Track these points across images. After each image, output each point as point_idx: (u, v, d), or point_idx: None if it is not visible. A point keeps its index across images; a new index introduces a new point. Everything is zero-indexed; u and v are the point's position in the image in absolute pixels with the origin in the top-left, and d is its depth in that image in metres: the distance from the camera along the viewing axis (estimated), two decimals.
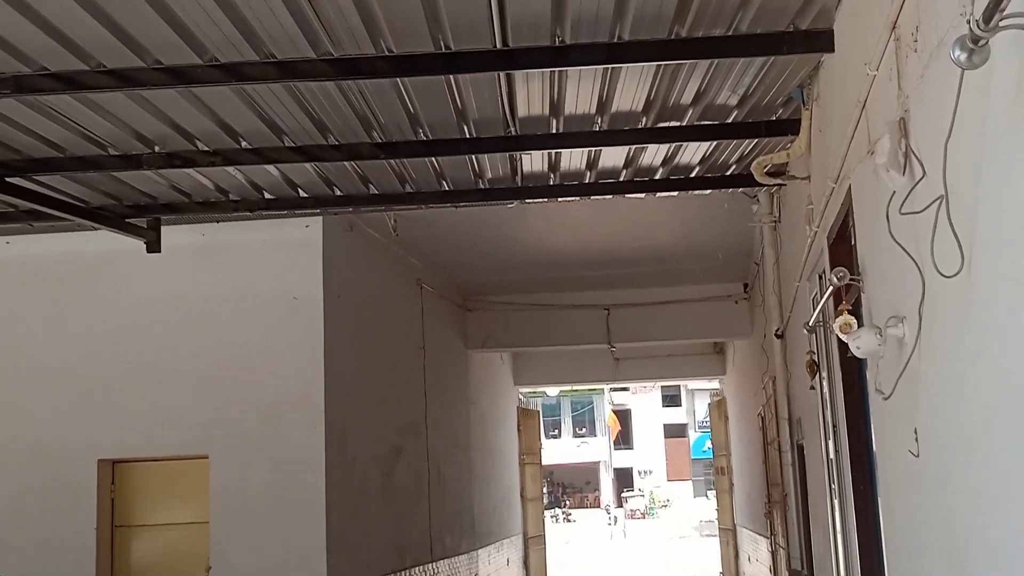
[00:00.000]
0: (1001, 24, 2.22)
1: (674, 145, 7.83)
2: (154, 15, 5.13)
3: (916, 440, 3.79)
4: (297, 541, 9.14)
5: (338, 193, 8.86)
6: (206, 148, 7.36)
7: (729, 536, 20.16)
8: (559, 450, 54.78)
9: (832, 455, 6.54)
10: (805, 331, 6.82)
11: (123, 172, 7.75)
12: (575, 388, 46.79)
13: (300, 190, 8.75)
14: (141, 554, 9.68)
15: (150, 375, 9.50)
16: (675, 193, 9.02)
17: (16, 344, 9.65)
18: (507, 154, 7.81)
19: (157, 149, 7.34)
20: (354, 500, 9.86)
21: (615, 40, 5.70)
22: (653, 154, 8.17)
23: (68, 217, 8.40)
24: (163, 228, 9.32)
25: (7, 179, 7.51)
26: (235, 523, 9.27)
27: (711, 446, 24.82)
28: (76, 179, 7.98)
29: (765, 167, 7.49)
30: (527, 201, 9.12)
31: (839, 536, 6.45)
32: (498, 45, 5.66)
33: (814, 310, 6.24)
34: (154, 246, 9.31)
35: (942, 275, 3.09)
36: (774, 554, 12.79)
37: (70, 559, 9.31)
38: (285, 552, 9.14)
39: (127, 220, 8.99)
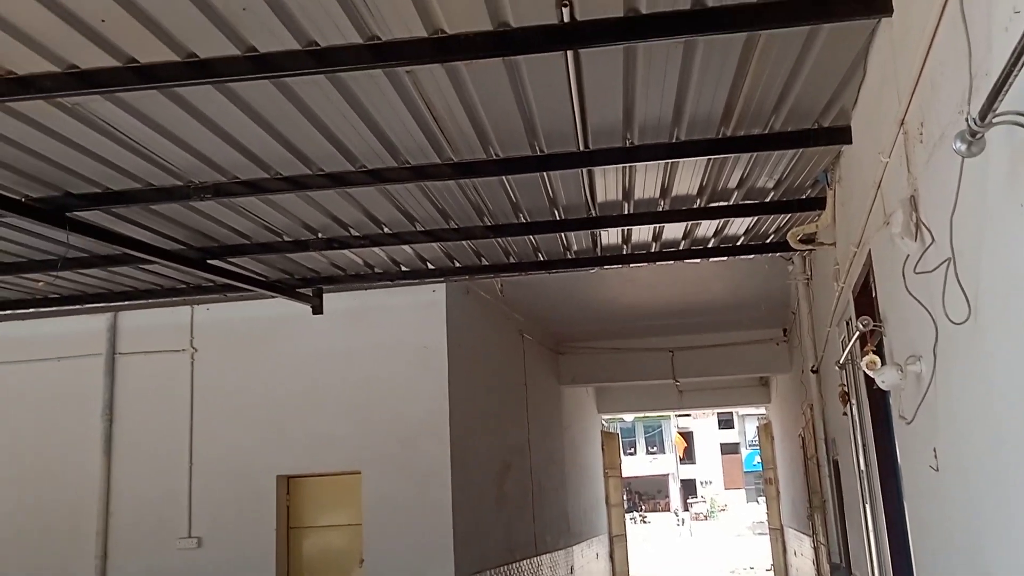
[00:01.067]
0: (994, 120, 2.16)
1: (723, 220, 7.73)
2: (318, 134, 5.28)
3: (935, 457, 3.64)
4: (430, 538, 9.11)
5: (457, 265, 8.94)
6: (357, 233, 7.49)
7: (777, 535, 19.48)
8: (634, 465, 53.79)
9: (863, 468, 6.29)
10: (837, 368, 6.61)
11: (294, 254, 7.89)
12: (646, 415, 46.02)
13: (428, 263, 8.85)
14: (309, 549, 9.74)
15: (315, 409, 9.62)
16: (725, 258, 8.89)
17: (217, 387, 9.86)
18: (589, 231, 7.79)
19: (320, 235, 7.49)
20: (474, 506, 9.81)
21: (674, 140, 5.67)
22: (706, 228, 8.07)
23: (252, 288, 8.61)
24: (324, 295, 9.53)
25: (208, 261, 7.75)
26: (382, 525, 9.28)
27: (760, 461, 24.10)
28: (259, 260, 8.17)
29: (798, 236, 7.35)
30: (605, 267, 9.07)
31: (871, 536, 6.18)
32: (581, 148, 5.68)
33: (844, 351, 6.04)
34: (317, 309, 9.51)
35: (952, 322, 2.98)
36: (816, 550, 12.31)
37: (258, 552, 9.41)
38: (421, 547, 9.12)
39: (297, 290, 9.20)
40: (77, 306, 9.24)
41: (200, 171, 5.75)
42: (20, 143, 5.12)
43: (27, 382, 10.04)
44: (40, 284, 8.23)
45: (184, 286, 8.99)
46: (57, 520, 9.69)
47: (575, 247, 8.56)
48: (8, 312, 9.19)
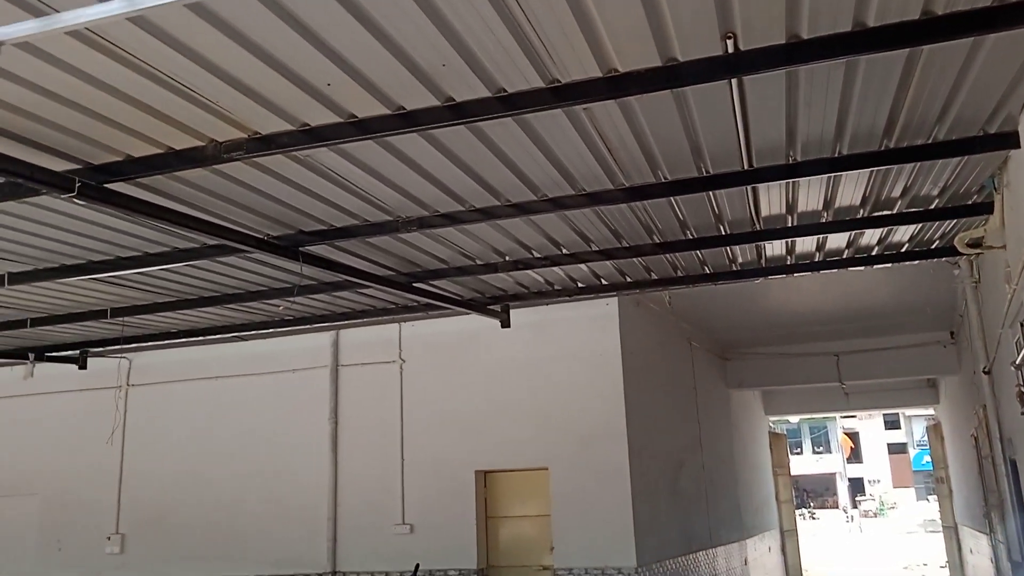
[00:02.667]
0: None
1: (887, 228, 7.28)
2: (505, 169, 5.42)
3: None
4: (613, 529, 9.06)
5: (628, 280, 8.88)
6: (539, 255, 7.60)
7: (951, 532, 17.94)
8: (801, 464, 51.09)
9: None
10: (1013, 368, 6.06)
11: (485, 275, 8.11)
12: (812, 416, 43.73)
13: (602, 279, 8.85)
14: (505, 536, 9.91)
15: (506, 412, 9.82)
16: (889, 264, 8.36)
17: (422, 393, 10.25)
18: (754, 244, 7.55)
19: (507, 258, 7.66)
20: (651, 500, 9.67)
21: (836, 155, 5.42)
22: (870, 236, 7.62)
23: (450, 306, 8.90)
24: (511, 310, 9.72)
25: (413, 284, 8.11)
26: (569, 516, 9.32)
27: (930, 460, 22.33)
28: (455, 281, 8.45)
29: (966, 241, 6.81)
30: (770, 277, 8.75)
31: None
32: (745, 167, 5.53)
33: (1018, 352, 5.55)
34: (505, 323, 9.71)
35: None
36: (994, 548, 11.27)
37: (462, 538, 9.67)
38: (605, 537, 9.08)
39: (487, 307, 9.44)
40: (307, 326, 9.90)
41: (407, 207, 6.04)
42: (263, 191, 5.56)
43: (269, 390, 10.82)
44: (280, 308, 8.89)
45: (393, 306, 9.44)
46: (295, 508, 10.36)
47: (740, 259, 8.30)
48: (253, 332, 9.98)
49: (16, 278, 7.09)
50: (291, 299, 8.12)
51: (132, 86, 4.00)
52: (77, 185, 4.67)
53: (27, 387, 11.02)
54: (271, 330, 9.97)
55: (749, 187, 6.05)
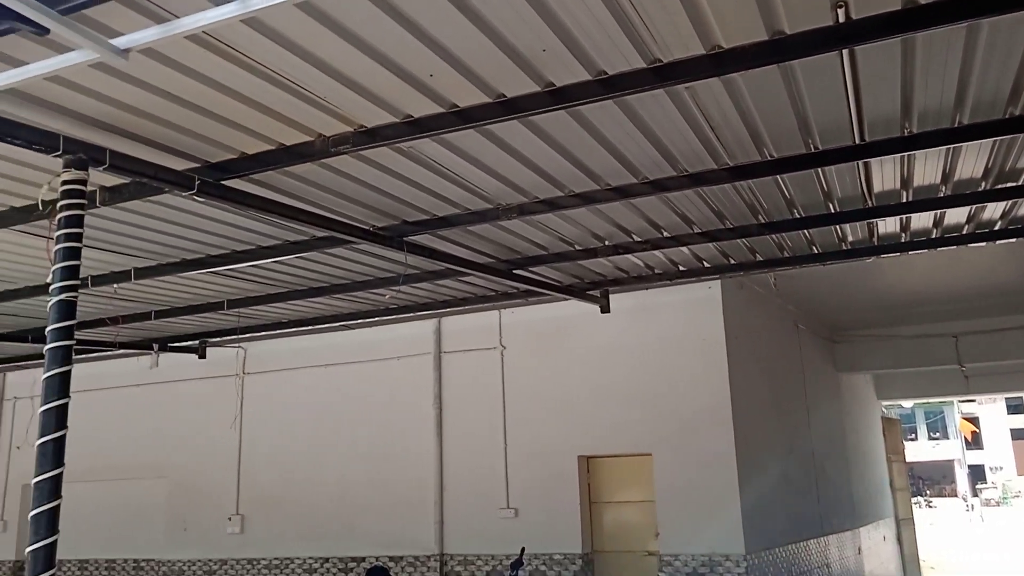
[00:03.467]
0: None
1: (1012, 201, 6.85)
2: (605, 153, 5.38)
3: None
4: (720, 515, 8.92)
5: (732, 262, 8.68)
6: (639, 239, 7.51)
7: None
8: (916, 450, 48.96)
9: None
10: None
11: (584, 260, 8.08)
12: (928, 400, 41.78)
13: (704, 262, 8.68)
14: (609, 521, 9.90)
15: (607, 397, 9.78)
16: (1014, 240, 7.87)
17: (523, 379, 10.32)
18: (865, 221, 7.24)
19: (606, 242, 7.61)
20: (759, 487, 9.45)
21: (956, 125, 5.13)
22: (993, 210, 7.19)
23: (549, 293, 8.94)
24: (611, 296, 9.66)
25: (513, 271, 8.17)
26: (674, 502, 9.23)
27: None
28: (554, 267, 8.45)
29: None
30: (882, 256, 8.38)
31: None
32: (857, 141, 5.31)
33: None
34: (605, 308, 9.67)
35: None
36: None
37: (566, 522, 9.71)
38: (711, 523, 8.95)
39: (587, 292, 9.42)
40: (410, 314, 10.12)
41: (507, 194, 6.07)
42: (368, 183, 5.70)
43: (376, 377, 11.11)
44: (387, 297, 9.10)
45: (493, 293, 9.53)
46: (403, 491, 10.64)
47: (851, 237, 7.99)
48: (360, 321, 10.27)
49: (141, 273, 7.51)
50: (396, 288, 8.30)
51: (245, 85, 4.16)
52: (196, 183, 4.91)
53: (153, 376, 11.67)
54: (376, 319, 10.23)
55: (861, 162, 5.79)
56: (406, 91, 4.31)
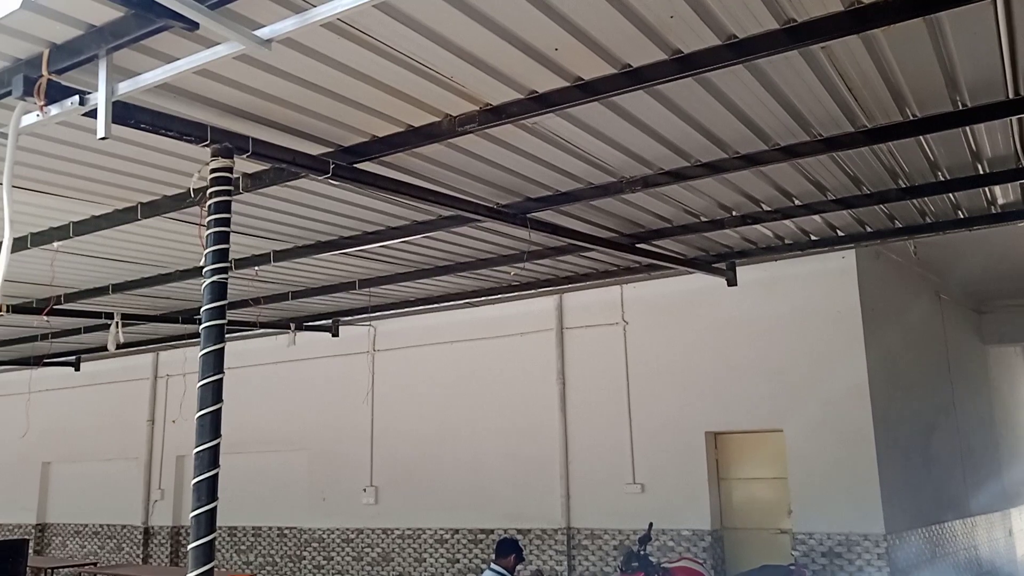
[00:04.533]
0: None
1: None
2: (734, 120, 5.21)
3: None
4: (857, 494, 8.58)
5: (868, 230, 8.26)
6: (768, 208, 7.27)
7: None
8: None
9: None
10: None
11: (710, 232, 7.92)
12: None
13: (838, 231, 8.30)
14: (739, 498, 9.71)
15: (735, 372, 9.55)
16: None
17: (646, 354, 10.21)
18: (1019, 182, 6.74)
19: (734, 213, 7.40)
20: (899, 465, 9.04)
21: None
22: None
23: (673, 266, 8.79)
24: (738, 268, 9.40)
25: (636, 245, 8.08)
26: (807, 479, 8.95)
27: None
28: (678, 240, 8.29)
29: None
30: None
31: None
32: (1011, 96, 4.93)
33: None
34: (732, 281, 9.41)
35: None
36: None
37: (693, 498, 9.60)
38: (848, 502, 8.63)
39: (712, 265, 9.21)
40: (532, 291, 10.19)
41: (630, 167, 5.99)
42: (493, 161, 5.75)
43: (500, 353, 11.27)
44: (511, 274, 9.19)
45: (615, 268, 9.45)
46: (530, 465, 10.77)
47: (1001, 200, 7.45)
48: (484, 298, 10.44)
49: (280, 256, 7.88)
50: (519, 265, 8.37)
51: (376, 69, 4.27)
52: (331, 167, 5.09)
53: (291, 354, 12.27)
54: (499, 296, 10.36)
55: (1015, 118, 5.38)
56: (531, 67, 4.30)
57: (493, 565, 7.36)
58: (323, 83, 4.39)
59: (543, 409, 10.79)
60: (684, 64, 4.25)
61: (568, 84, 4.51)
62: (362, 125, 4.97)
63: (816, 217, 7.60)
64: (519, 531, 10.56)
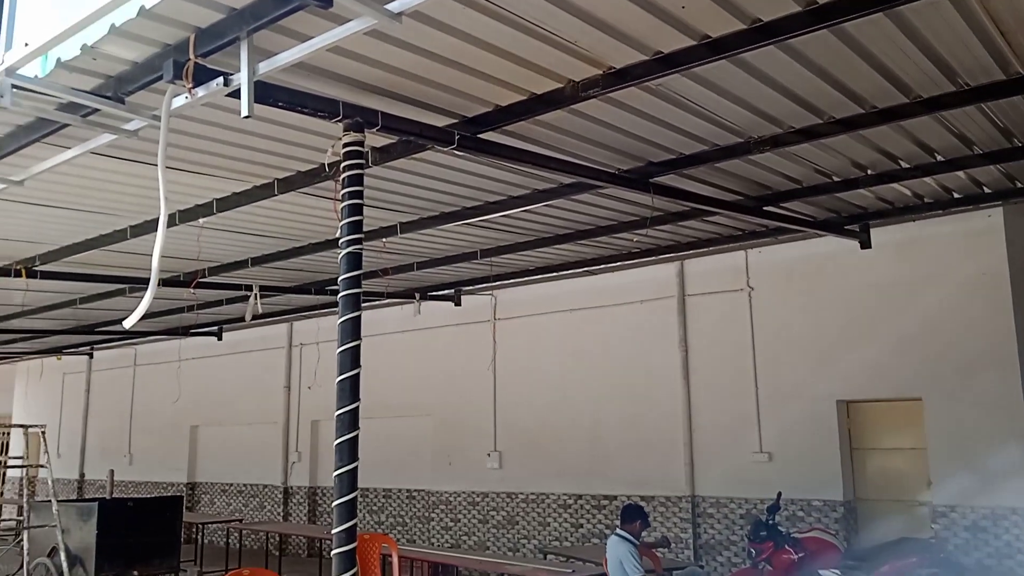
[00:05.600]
0: None
1: None
2: (872, 72, 4.92)
3: None
4: (1005, 465, 8.08)
5: (1019, 185, 7.69)
6: (907, 165, 6.87)
7: None
8: None
9: None
10: None
11: (842, 192, 7.57)
12: None
13: (984, 187, 7.77)
14: (873, 469, 9.33)
15: (869, 339, 9.14)
16: None
17: (773, 321, 9.92)
18: None
19: (869, 172, 7.04)
20: None
21: None
22: None
23: (802, 229, 8.47)
24: (872, 230, 8.96)
25: (763, 208, 7.82)
26: (949, 449, 8.50)
27: None
28: (808, 202, 7.95)
29: None
30: None
31: None
32: None
33: None
34: (865, 244, 8.98)
35: None
36: None
37: (825, 469, 9.30)
38: (994, 473, 8.15)
39: (845, 227, 8.81)
40: (653, 257, 10.06)
41: (759, 126, 5.79)
42: (615, 125, 5.67)
43: (620, 320, 11.21)
44: (633, 240, 9.09)
45: (740, 233, 9.20)
46: (652, 432, 10.72)
47: None
48: (604, 266, 10.39)
49: (406, 227, 8.09)
50: (642, 231, 8.27)
51: (500, 37, 4.27)
52: (456, 138, 5.16)
53: (417, 323, 12.61)
54: (619, 263, 10.28)
55: None
56: (656, 26, 4.20)
57: (619, 531, 7.40)
58: (448, 54, 4.44)
59: (664, 377, 10.68)
60: (819, 15, 4.04)
61: (695, 43, 4.38)
62: (486, 95, 5.00)
63: (960, 173, 7.13)
64: (642, 498, 10.54)
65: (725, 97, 5.26)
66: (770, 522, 7.88)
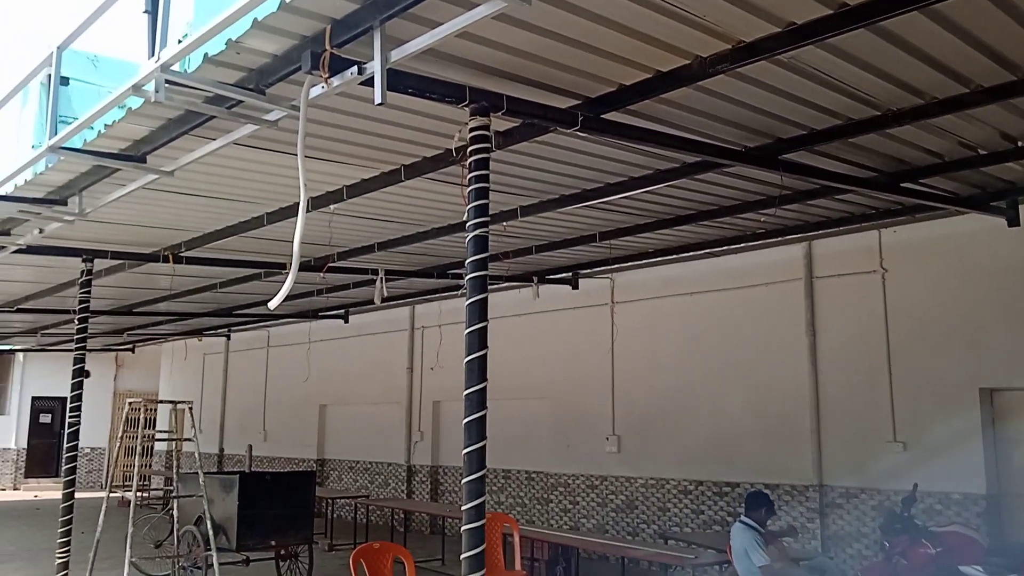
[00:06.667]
0: None
1: None
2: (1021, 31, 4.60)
3: None
4: None
5: None
6: None
7: None
8: None
9: None
10: None
11: (989, 167, 7.09)
12: None
13: None
14: (1021, 461, 8.74)
15: (1018, 322, 8.57)
16: None
17: (909, 303, 9.43)
18: None
19: (1020, 144, 6.55)
20: None
21: None
22: None
23: (942, 207, 8.00)
24: (1020, 206, 8.36)
25: (900, 184, 7.42)
26: None
27: None
28: (950, 177, 7.48)
29: None
30: None
31: None
32: None
33: None
34: (1013, 221, 8.38)
35: None
36: None
37: (965, 461, 8.77)
38: None
39: (990, 203, 8.24)
40: (778, 238, 9.73)
41: (898, 98, 5.48)
42: (742, 101, 5.50)
43: (743, 304, 10.92)
44: (762, 220, 8.80)
45: (873, 211, 8.75)
46: (777, 419, 10.41)
47: None
48: (726, 248, 10.14)
49: (526, 210, 8.14)
50: (769, 211, 8.01)
51: (625, 14, 4.21)
52: (580, 119, 5.13)
53: (535, 306, 12.68)
54: (742, 245, 10.01)
55: None
56: None
57: (743, 518, 7.26)
58: (573, 34, 4.42)
59: (790, 362, 10.34)
60: None
61: (831, 11, 4.18)
62: (610, 74, 4.96)
63: None
64: (766, 486, 10.25)
65: (863, 68, 5.01)
66: (905, 515, 7.54)
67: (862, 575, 8.26)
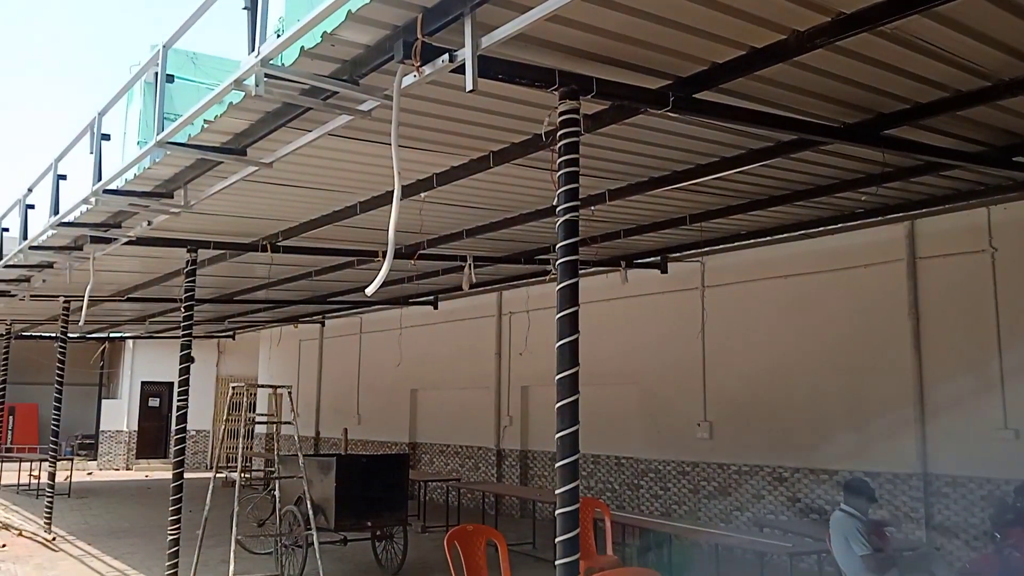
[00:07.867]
0: None
1: None
2: None
3: None
4: None
5: None
6: None
7: None
8: None
9: None
10: None
11: None
12: None
13: None
14: None
15: None
16: None
17: (1021, 284, 8.95)
18: None
19: None
20: None
21: None
22: None
23: None
24: None
25: (1012, 159, 7.02)
26: None
27: None
28: None
29: None
30: None
31: None
32: None
33: None
34: None
35: None
36: None
37: None
38: None
39: None
40: (878, 218, 9.37)
41: (1011, 67, 5.18)
42: (841, 76, 5.30)
43: (841, 286, 10.58)
44: (863, 199, 8.47)
45: (982, 188, 8.32)
46: (877, 405, 10.07)
47: None
48: (821, 229, 9.82)
49: (614, 194, 8.06)
50: (870, 190, 7.71)
51: None
52: (670, 99, 5.05)
53: (623, 291, 12.56)
54: (840, 225, 9.68)
55: None
56: None
57: (843, 506, 7.05)
58: (664, 13, 4.34)
59: (891, 346, 9.97)
60: None
61: None
62: (702, 52, 4.86)
63: None
64: (866, 473, 9.91)
65: (972, 37, 4.76)
66: (1018, 505, 7.19)
67: (970, 567, 7.93)
